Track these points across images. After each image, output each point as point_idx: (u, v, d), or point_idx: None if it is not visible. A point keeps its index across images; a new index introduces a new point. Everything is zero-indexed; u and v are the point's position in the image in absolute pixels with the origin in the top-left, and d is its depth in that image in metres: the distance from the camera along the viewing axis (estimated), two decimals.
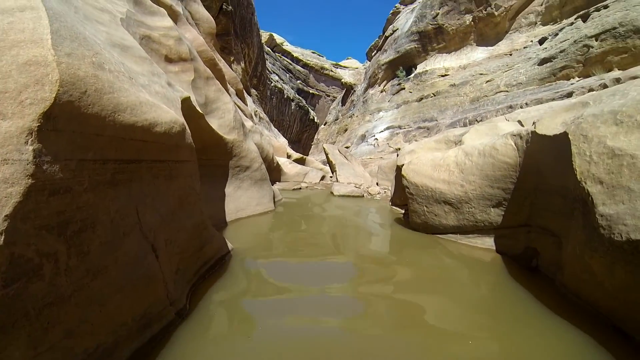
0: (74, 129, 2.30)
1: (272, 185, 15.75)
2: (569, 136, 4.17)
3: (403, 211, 9.90)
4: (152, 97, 3.84)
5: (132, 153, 3.01)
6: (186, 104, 5.78)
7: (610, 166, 3.54)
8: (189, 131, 4.29)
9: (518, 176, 5.88)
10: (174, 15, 9.05)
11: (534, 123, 5.83)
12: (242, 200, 8.42)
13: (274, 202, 10.40)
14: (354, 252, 6.24)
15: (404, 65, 34.22)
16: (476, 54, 27.54)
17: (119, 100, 2.80)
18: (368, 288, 4.51)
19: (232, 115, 8.31)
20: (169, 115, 3.63)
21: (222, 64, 15.87)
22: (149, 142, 3.24)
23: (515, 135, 6.05)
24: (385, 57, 37.04)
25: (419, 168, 7.91)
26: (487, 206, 6.37)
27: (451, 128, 21.52)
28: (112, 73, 2.96)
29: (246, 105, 19.16)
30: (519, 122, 8.56)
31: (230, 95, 13.11)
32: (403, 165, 8.52)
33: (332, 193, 15.24)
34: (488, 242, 6.41)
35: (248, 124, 13.14)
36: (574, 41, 17.73)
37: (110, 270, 2.56)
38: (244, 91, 25.31)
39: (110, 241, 2.60)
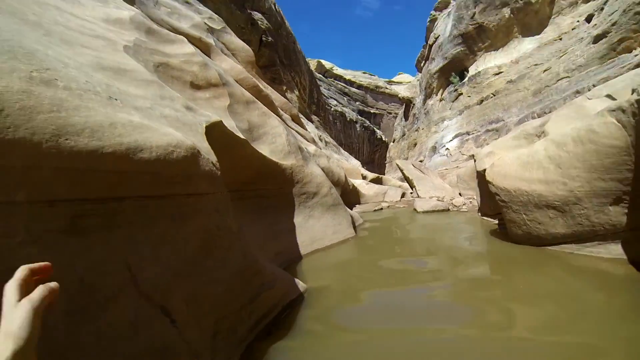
0: None
1: (352, 209, 14.93)
2: None
3: (497, 221, 8.59)
4: (153, 120, 3.09)
5: (104, 189, 2.21)
6: (218, 130, 5.07)
7: None
8: (208, 157, 3.45)
9: (635, 160, 4.60)
10: (205, 47, 8.75)
11: (634, 90, 4.69)
12: (316, 229, 7.48)
13: (354, 227, 9.37)
14: (452, 279, 5.11)
15: (455, 70, 33.35)
16: (525, 45, 26.54)
17: (69, 120, 2.06)
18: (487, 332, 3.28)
19: (284, 139, 7.54)
20: (166, 138, 2.80)
21: (269, 90, 15.56)
22: (132, 172, 2.40)
23: (614, 111, 4.93)
24: (434, 65, 36.28)
25: (506, 170, 6.65)
26: (603, 204, 4.97)
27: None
28: (70, 91, 2.29)
29: (306, 129, 18.68)
30: (609, 96, 6.94)
31: (284, 121, 12.62)
32: (485, 169, 7.32)
33: (415, 210, 14.34)
34: (615, 250, 5.01)
35: (311, 148, 12.46)
36: (624, 11, 16.93)
37: (89, 349, 1.84)
38: (303, 117, 25.15)
39: (83, 308, 1.86)
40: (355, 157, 40.01)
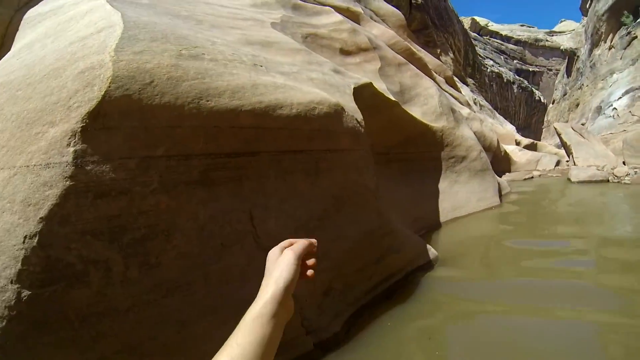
0: (134, 124, 2.02)
1: (501, 176, 13.86)
2: None
3: None
4: (298, 82, 3.44)
5: (239, 144, 2.54)
6: (369, 91, 5.26)
7: None
8: (354, 115, 3.66)
9: None
10: (354, 16, 8.83)
11: None
12: (459, 196, 7.21)
13: (500, 195, 8.72)
14: (598, 268, 4.35)
15: (629, 7, 27.12)
16: None
17: (212, 85, 2.46)
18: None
19: (436, 101, 7.32)
20: (309, 95, 3.11)
21: (422, 53, 14.91)
22: (269, 128, 2.72)
23: None
24: (602, 4, 30.16)
25: None
26: None
27: None
28: (215, 62, 2.72)
29: (460, 92, 17.61)
30: None
31: (438, 84, 12.12)
32: None
33: (569, 179, 12.75)
34: None
35: (464, 111, 11.79)
36: None
37: (197, 288, 2.15)
38: (458, 80, 23.51)
39: (197, 253, 2.19)
40: (511, 122, 36.44)
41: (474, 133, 12.17)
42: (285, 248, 0.83)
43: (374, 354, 2.73)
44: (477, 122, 12.91)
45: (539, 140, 33.16)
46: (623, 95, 25.94)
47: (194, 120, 2.29)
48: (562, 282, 3.93)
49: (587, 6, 37.19)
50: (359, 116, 3.78)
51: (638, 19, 26.55)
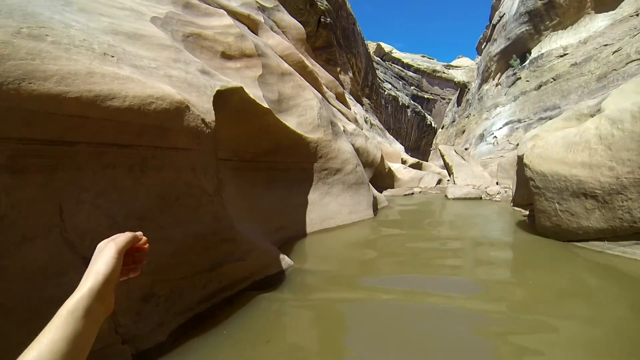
0: None
1: (382, 192, 14.76)
2: None
3: (527, 212, 8.03)
4: (150, 77, 3.21)
5: (57, 132, 2.31)
6: (238, 96, 5.17)
7: None
8: (201, 115, 3.48)
9: None
10: (253, 24, 8.79)
11: None
12: (330, 207, 7.42)
13: (375, 209, 9.21)
14: (469, 266, 4.86)
15: (517, 52, 31.53)
16: (596, 23, 24.15)
17: (39, 67, 2.24)
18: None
19: (315, 112, 7.49)
20: (150, 90, 2.88)
21: (317, 68, 15.50)
22: (94, 119, 2.49)
23: None
24: (495, 47, 34.49)
25: (547, 151, 5.89)
26: None
27: None
28: (57, 45, 2.54)
29: (349, 109, 18.53)
30: None
31: (327, 98, 12.54)
32: (524, 154, 6.51)
33: (446, 196, 14.04)
34: None
35: (350, 126, 12.33)
36: None
37: None
38: (353, 98, 24.78)
39: None
40: (402, 142, 39.49)
41: (358, 148, 12.77)
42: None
43: None
44: (361, 138, 13.50)
45: (427, 161, 36.23)
46: (503, 125, 29.72)
47: (9, 101, 2.04)
48: (436, 277, 4.49)
49: (482, 47, 41.89)
50: (209, 117, 3.64)
51: (524, 63, 30.48)
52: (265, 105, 5.96)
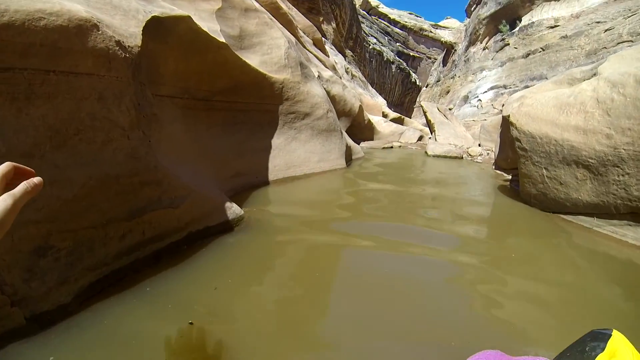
0: None
1: (360, 143, 14.29)
2: None
3: (510, 177, 7.69)
4: None
5: None
6: (185, 27, 4.50)
7: None
8: (117, 37, 2.86)
9: None
10: None
11: None
12: (297, 154, 6.93)
13: (349, 159, 8.76)
14: (436, 241, 4.26)
15: (507, 18, 30.55)
16: None
17: None
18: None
19: (282, 52, 6.80)
20: (43, 5, 2.27)
21: (293, 12, 14.57)
22: None
23: None
24: (485, 10, 33.14)
25: (536, 110, 5.35)
26: None
27: None
28: None
29: (327, 57, 17.64)
30: None
31: (303, 43, 11.77)
32: (510, 113, 5.92)
33: (426, 153, 13.64)
34: None
35: (326, 73, 11.66)
36: None
37: None
38: (334, 48, 23.97)
39: None
40: (385, 98, 38.80)
41: (334, 96, 12.14)
42: (3, 186, 0.70)
43: (113, 327, 2.20)
44: (338, 85, 12.86)
45: (410, 117, 35.65)
46: (489, 90, 29.07)
47: None
48: (414, 227, 4.45)
49: (472, 9, 40.36)
50: (131, 41, 3.02)
51: (514, 29, 29.55)
52: (222, 39, 5.31)
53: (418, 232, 4.23)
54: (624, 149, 4.03)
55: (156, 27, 3.87)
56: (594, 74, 5.72)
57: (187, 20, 4.51)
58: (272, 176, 6.23)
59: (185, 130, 4.87)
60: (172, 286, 2.67)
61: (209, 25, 5.34)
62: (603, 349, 0.78)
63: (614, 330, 0.82)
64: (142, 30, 3.39)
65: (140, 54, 3.20)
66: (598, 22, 21.38)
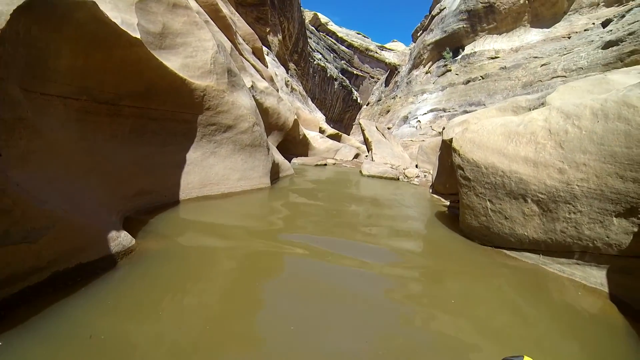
0: None
1: (291, 160, 13.86)
2: None
3: (447, 203, 7.52)
4: None
5: None
6: (86, 14, 3.86)
7: None
8: None
9: None
10: None
11: None
12: (215, 170, 6.30)
13: (275, 177, 8.25)
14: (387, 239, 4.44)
15: (451, 46, 32.58)
16: (530, 35, 25.96)
17: None
18: None
19: (209, 56, 6.17)
20: None
21: (236, 17, 14.05)
22: None
23: None
24: (431, 37, 35.09)
25: (482, 138, 5.10)
26: (606, 213, 3.67)
27: None
28: None
29: (266, 67, 17.17)
30: None
31: (240, 50, 11.23)
32: (452, 138, 5.64)
33: (360, 172, 13.51)
34: (595, 277, 3.81)
35: (260, 84, 11.13)
36: None
37: None
38: (276, 60, 23.86)
39: None
40: (325, 113, 39.27)
41: (267, 108, 11.58)
42: None
43: None
44: (273, 97, 12.36)
45: (349, 135, 35.97)
46: (428, 112, 30.43)
47: None
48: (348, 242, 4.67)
49: (418, 34, 42.13)
50: None
51: (456, 57, 31.28)
52: (136, 34, 4.63)
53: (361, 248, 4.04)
54: (578, 185, 3.89)
55: (44, 11, 3.23)
56: (542, 103, 5.68)
57: (89, 6, 3.84)
58: (184, 195, 5.55)
59: (79, 138, 4.12)
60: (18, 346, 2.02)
61: (124, 17, 4.69)
62: None
63: (525, 356, 1.03)
64: (16, 10, 2.70)
65: (9, 38, 2.51)
66: (535, 57, 23.22)
